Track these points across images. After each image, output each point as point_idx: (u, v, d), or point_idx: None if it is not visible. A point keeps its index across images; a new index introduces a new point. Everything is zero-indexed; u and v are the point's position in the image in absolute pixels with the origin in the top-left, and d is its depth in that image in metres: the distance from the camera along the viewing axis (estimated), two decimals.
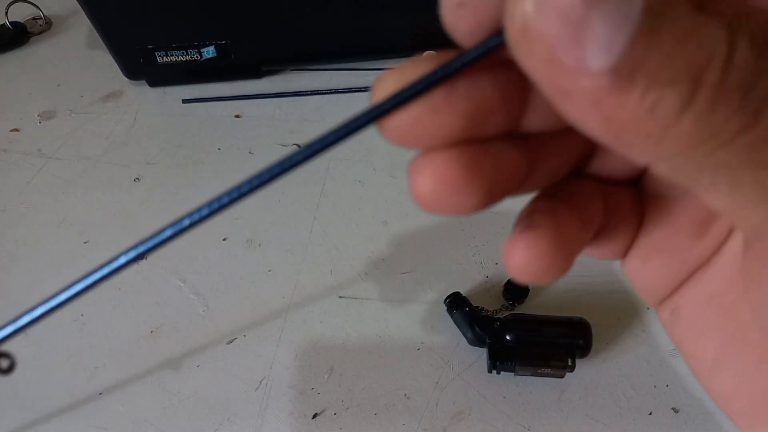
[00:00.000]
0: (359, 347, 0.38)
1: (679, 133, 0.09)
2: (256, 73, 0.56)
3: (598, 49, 0.09)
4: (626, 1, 0.09)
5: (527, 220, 0.14)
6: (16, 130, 0.53)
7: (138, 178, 0.48)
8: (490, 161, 0.12)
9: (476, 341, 0.37)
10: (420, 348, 0.38)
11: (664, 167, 0.11)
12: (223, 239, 0.44)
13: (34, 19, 0.62)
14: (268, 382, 0.37)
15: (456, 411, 0.36)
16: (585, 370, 0.37)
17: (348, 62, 0.57)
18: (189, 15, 0.50)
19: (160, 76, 0.55)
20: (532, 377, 0.36)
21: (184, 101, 0.54)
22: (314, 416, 0.36)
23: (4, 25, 0.59)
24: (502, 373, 0.35)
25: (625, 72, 0.09)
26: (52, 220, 0.46)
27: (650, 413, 0.35)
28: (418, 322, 0.39)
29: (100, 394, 0.37)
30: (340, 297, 0.41)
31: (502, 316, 0.37)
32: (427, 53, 0.12)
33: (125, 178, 0.48)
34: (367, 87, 0.54)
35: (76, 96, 0.55)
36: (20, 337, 0.43)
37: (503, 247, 0.13)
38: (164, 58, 0.52)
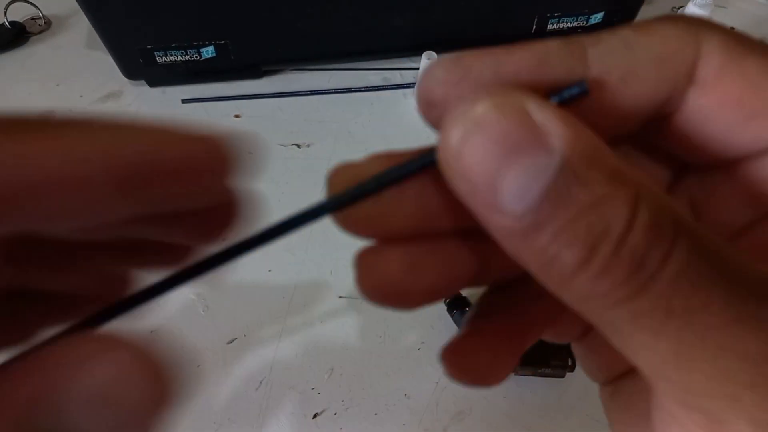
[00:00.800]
0: (359, 347, 0.38)
1: (574, 287, 0.10)
2: (255, 73, 0.56)
3: (511, 196, 0.09)
4: (544, 156, 0.09)
5: (473, 321, 0.14)
6: None
7: None
8: (436, 261, 0.12)
9: None
10: (420, 348, 0.38)
11: (566, 302, 0.11)
12: (223, 239, 0.44)
13: (33, 18, 0.62)
14: (268, 382, 0.37)
15: (456, 411, 0.36)
16: None
17: (347, 62, 0.57)
18: (188, 15, 0.49)
19: (159, 76, 0.55)
20: (533, 377, 0.36)
21: (184, 101, 0.54)
22: (314, 416, 0.36)
23: (3, 24, 0.59)
24: None
25: (532, 223, 0.09)
26: None
27: None
28: (418, 323, 0.39)
29: None
30: (340, 297, 0.41)
31: None
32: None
33: None
34: (367, 87, 0.54)
35: (75, 96, 0.55)
36: None
37: (442, 348, 0.13)
38: (163, 58, 0.52)
